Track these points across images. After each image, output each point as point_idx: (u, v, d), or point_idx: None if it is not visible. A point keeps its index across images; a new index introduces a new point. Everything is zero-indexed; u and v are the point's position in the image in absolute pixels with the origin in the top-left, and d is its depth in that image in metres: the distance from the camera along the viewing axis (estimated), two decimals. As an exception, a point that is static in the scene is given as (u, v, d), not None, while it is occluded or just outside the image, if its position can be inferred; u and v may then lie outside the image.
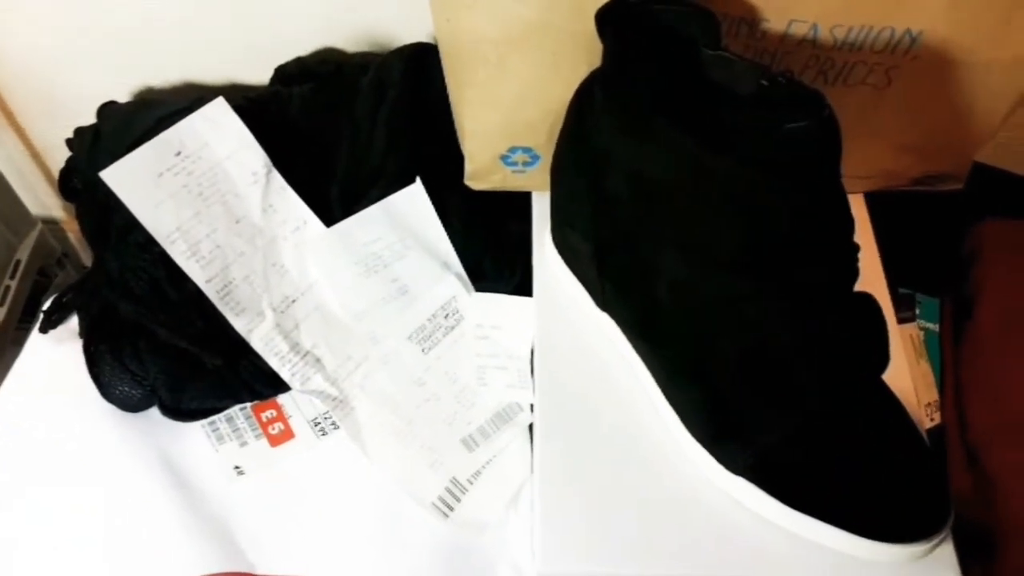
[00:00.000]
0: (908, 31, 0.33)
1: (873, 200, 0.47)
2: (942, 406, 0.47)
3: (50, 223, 0.65)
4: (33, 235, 0.62)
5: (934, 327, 0.49)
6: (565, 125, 0.36)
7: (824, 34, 0.34)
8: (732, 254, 0.31)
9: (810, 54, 0.35)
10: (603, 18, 0.33)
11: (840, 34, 0.34)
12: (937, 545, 0.34)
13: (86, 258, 0.68)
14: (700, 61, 0.32)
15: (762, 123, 0.30)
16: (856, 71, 0.35)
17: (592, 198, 0.36)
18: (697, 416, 0.36)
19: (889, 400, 0.34)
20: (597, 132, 0.34)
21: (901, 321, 0.47)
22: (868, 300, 0.32)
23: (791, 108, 0.29)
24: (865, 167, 0.41)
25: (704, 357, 0.34)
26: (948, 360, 0.48)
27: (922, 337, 0.48)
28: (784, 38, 0.34)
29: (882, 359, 0.33)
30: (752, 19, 0.34)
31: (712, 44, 0.32)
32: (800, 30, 0.34)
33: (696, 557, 0.34)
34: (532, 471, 0.39)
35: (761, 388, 0.33)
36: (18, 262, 0.60)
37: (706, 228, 0.31)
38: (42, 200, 0.64)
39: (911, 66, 0.35)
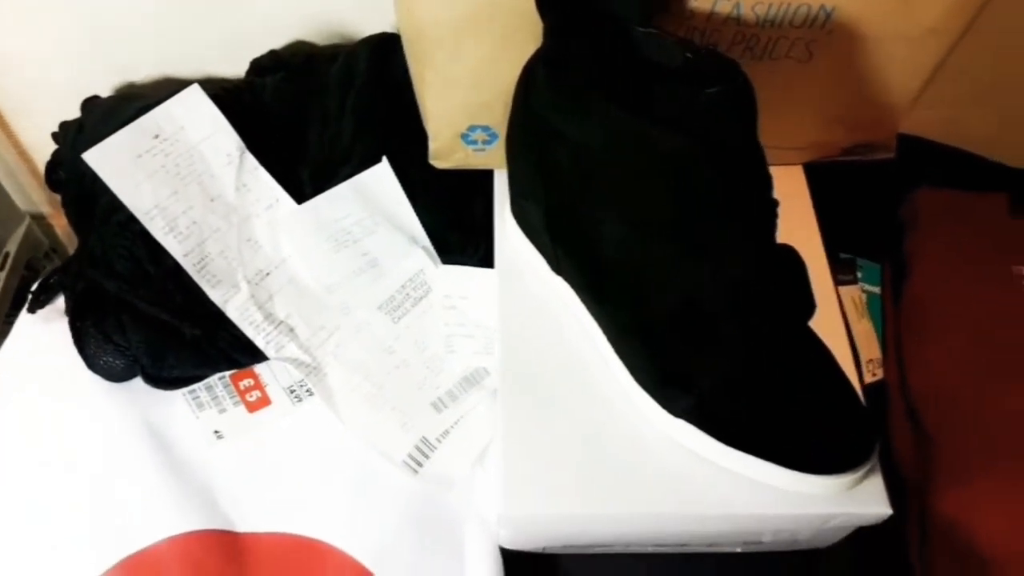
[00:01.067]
0: (823, 7, 0.37)
1: (816, 172, 0.50)
2: (885, 364, 0.50)
3: (37, 217, 0.67)
4: (21, 229, 0.64)
5: (876, 290, 0.52)
6: (514, 102, 0.39)
7: (747, 12, 0.37)
8: (663, 216, 0.34)
9: (736, 31, 0.38)
10: (542, 0, 0.35)
11: (761, 11, 0.37)
12: (865, 477, 0.37)
13: (72, 251, 0.70)
14: (632, 38, 0.35)
15: (687, 93, 0.33)
16: (779, 46, 0.38)
17: (540, 170, 0.39)
18: (642, 367, 0.38)
19: (815, 344, 0.37)
20: (541, 108, 0.37)
21: (842, 283, 0.50)
22: (789, 252, 0.35)
23: (712, 78, 0.32)
24: (798, 138, 0.45)
25: (645, 313, 0.37)
26: (890, 321, 0.51)
27: (865, 299, 0.51)
28: (711, 16, 0.37)
29: (807, 306, 0.36)
30: (681, -1, 0.37)
31: (643, 22, 0.35)
32: (725, 8, 0.37)
33: (644, 494, 0.37)
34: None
35: (695, 338, 0.36)
36: (7, 254, 0.62)
37: (639, 193, 0.34)
38: (29, 195, 0.66)
39: (828, 40, 0.38)
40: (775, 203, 0.34)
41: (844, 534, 0.41)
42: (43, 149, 0.54)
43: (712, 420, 0.37)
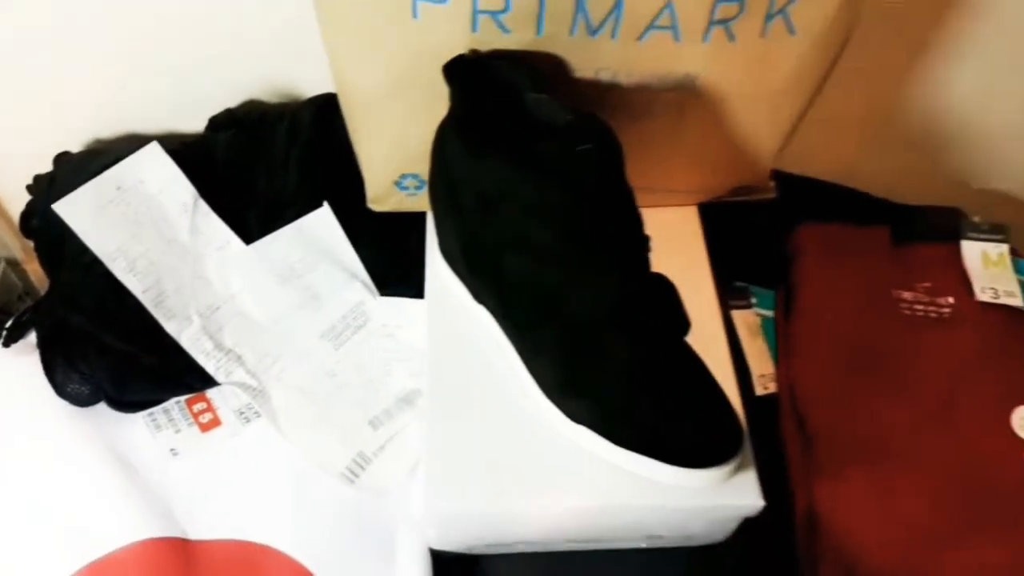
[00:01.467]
0: (687, 74, 0.44)
1: (713, 211, 0.56)
2: (777, 380, 0.56)
3: (12, 263, 0.72)
4: (-4, 273, 0.68)
5: (770, 314, 0.59)
6: (431, 155, 0.46)
7: (623, 79, 0.44)
8: (550, 249, 0.40)
9: (616, 94, 0.44)
10: (449, 71, 0.42)
11: (634, 79, 0.44)
12: (738, 471, 0.42)
13: (43, 294, 0.74)
14: (524, 103, 0.42)
15: (567, 148, 0.39)
16: (655, 106, 0.45)
17: (454, 213, 0.45)
18: (549, 381, 0.44)
19: (690, 357, 0.43)
20: (452, 160, 0.43)
21: (737, 308, 0.56)
22: (661, 279, 0.41)
23: (588, 135, 0.39)
24: (685, 183, 0.51)
25: (547, 334, 0.43)
26: (781, 341, 0.57)
27: (759, 322, 0.58)
28: (595, 83, 0.44)
29: (681, 324, 0.42)
30: (567, 69, 0.44)
31: (534, 89, 0.41)
32: (606, 76, 0.44)
33: (551, 491, 0.42)
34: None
35: (588, 354, 0.41)
36: (-19, 297, 0.66)
37: (531, 231, 0.40)
38: (4, 242, 0.70)
39: (697, 101, 0.45)
40: (646, 238, 0.40)
41: (732, 526, 0.46)
42: (18, 200, 0.59)
43: (605, 425, 0.42)
